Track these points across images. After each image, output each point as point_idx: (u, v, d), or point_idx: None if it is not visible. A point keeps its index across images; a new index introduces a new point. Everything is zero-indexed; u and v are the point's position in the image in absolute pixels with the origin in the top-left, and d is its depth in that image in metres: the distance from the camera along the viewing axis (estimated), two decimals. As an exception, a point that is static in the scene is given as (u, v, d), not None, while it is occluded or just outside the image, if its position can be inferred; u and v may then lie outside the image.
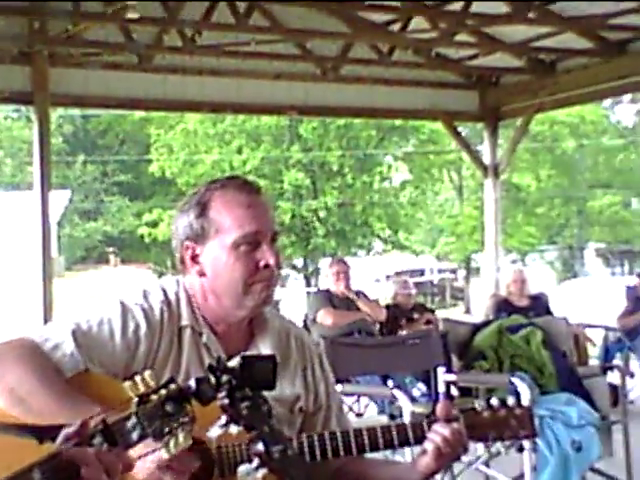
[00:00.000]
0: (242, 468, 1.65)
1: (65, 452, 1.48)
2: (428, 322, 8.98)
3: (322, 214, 31.91)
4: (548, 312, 9.02)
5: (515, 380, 4.88)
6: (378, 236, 34.49)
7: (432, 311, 9.73)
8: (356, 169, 32.53)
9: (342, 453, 2.37)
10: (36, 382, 2.18)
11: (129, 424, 1.52)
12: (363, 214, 32.93)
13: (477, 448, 4.74)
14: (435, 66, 11.36)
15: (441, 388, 5.18)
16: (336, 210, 32.23)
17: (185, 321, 2.43)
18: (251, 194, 2.41)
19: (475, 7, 9.49)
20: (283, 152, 31.72)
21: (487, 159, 12.56)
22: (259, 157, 31.26)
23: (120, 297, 2.43)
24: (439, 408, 2.43)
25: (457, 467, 5.11)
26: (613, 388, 6.58)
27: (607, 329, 9.81)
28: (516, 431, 2.50)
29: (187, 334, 2.42)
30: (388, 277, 29.89)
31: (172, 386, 1.54)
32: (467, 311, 32.55)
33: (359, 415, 7.84)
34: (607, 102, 36.60)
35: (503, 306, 9.06)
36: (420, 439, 2.42)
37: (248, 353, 2.41)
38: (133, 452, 1.56)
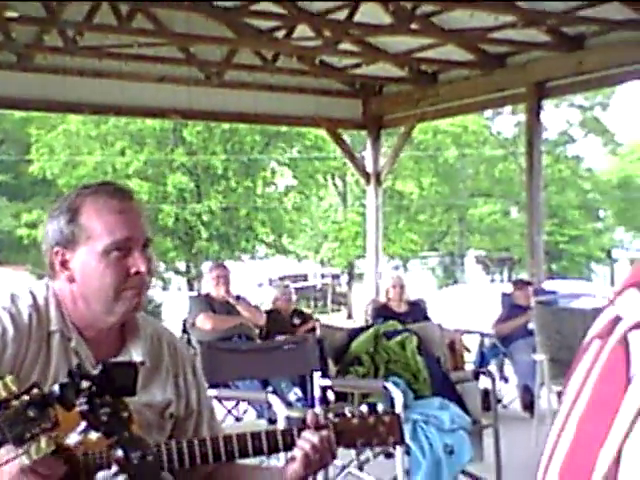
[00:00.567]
0: (100, 475, 1.65)
1: None
2: (313, 330, 9.01)
3: (206, 218, 31.79)
4: (426, 318, 9.16)
5: (389, 385, 4.96)
6: (262, 240, 34.53)
7: (311, 318, 9.77)
8: (241, 173, 32.52)
9: (211, 460, 2.39)
10: None
11: (-12, 430, 1.52)
12: (247, 218, 32.93)
13: (351, 452, 4.82)
14: (319, 74, 11.47)
15: (317, 393, 5.22)
16: (220, 214, 32.16)
17: (54, 326, 2.41)
18: (123, 200, 2.41)
19: (359, 17, 9.61)
20: (167, 155, 31.50)
21: (370, 166, 12.71)
22: (142, 160, 30.99)
23: (-13, 301, 2.40)
24: (308, 416, 2.47)
25: (332, 471, 5.17)
26: (486, 393, 6.73)
27: (483, 335, 10.00)
28: (384, 438, 2.55)
29: (56, 339, 2.40)
30: (271, 282, 29.96)
31: (35, 391, 1.54)
32: (349, 316, 32.80)
33: (238, 420, 7.86)
34: (488, 113, 37.38)
35: (382, 312, 9.14)
36: (290, 446, 2.45)
37: (118, 359, 2.40)
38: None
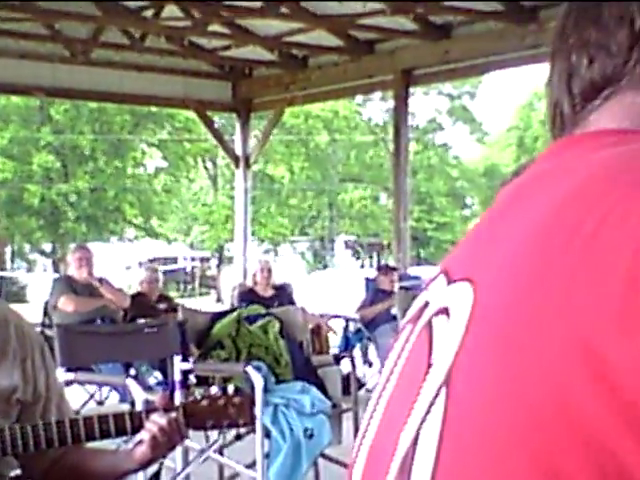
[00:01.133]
0: None
1: None
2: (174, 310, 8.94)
3: (73, 198, 31.24)
4: (291, 302, 9.19)
5: (249, 369, 4.96)
6: (131, 222, 34.13)
7: (176, 304, 9.66)
8: (109, 154, 32.05)
9: (57, 443, 2.35)
10: None
11: None
12: (115, 200, 32.49)
13: (209, 436, 4.81)
14: (188, 55, 11.36)
15: (177, 377, 5.19)
16: (88, 195, 31.65)
17: None
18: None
19: (229, -1, 9.56)
20: (33, 133, 30.81)
21: (239, 149, 12.68)
22: (7, 138, 30.24)
23: None
24: (158, 398, 2.46)
25: (191, 455, 5.15)
26: (348, 377, 6.80)
27: (347, 320, 10.08)
28: (234, 419, 2.55)
29: None
30: (141, 264, 29.65)
31: None
32: (218, 300, 32.74)
33: (100, 403, 7.78)
34: (359, 99, 37.72)
35: (247, 296, 9.14)
36: (138, 428, 2.43)
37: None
38: None
